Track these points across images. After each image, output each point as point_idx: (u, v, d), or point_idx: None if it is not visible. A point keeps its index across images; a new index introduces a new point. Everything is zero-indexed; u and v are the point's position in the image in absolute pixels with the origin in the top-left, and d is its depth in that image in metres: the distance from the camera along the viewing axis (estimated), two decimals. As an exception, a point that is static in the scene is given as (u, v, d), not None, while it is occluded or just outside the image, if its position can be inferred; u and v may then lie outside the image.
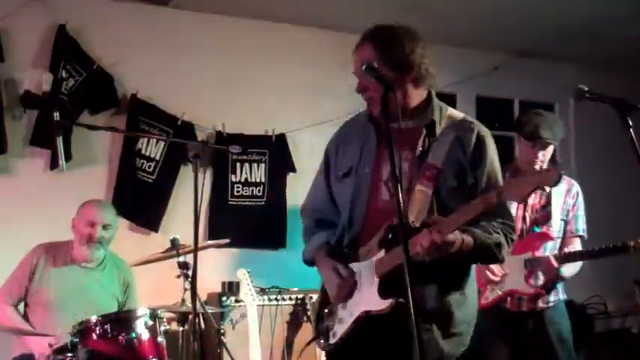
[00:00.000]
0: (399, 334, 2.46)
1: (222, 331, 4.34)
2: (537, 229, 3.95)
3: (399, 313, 2.43)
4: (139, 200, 5.34)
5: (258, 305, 4.58)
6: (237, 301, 4.80)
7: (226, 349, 4.35)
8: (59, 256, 4.25)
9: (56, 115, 3.72)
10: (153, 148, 5.43)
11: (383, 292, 2.54)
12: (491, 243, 2.59)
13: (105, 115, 5.29)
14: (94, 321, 3.67)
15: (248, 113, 5.59)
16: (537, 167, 3.91)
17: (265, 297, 4.90)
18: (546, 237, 3.93)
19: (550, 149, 3.95)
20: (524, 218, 3.97)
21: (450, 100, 6.63)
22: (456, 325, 2.64)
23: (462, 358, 2.72)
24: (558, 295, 4.00)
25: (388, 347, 2.58)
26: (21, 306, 4.24)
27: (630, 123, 2.55)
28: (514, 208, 3.95)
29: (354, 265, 2.68)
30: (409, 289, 2.14)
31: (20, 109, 5.05)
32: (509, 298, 3.93)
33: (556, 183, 2.34)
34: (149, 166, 5.41)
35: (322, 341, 2.73)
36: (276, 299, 4.96)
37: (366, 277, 2.63)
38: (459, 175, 2.64)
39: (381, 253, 2.59)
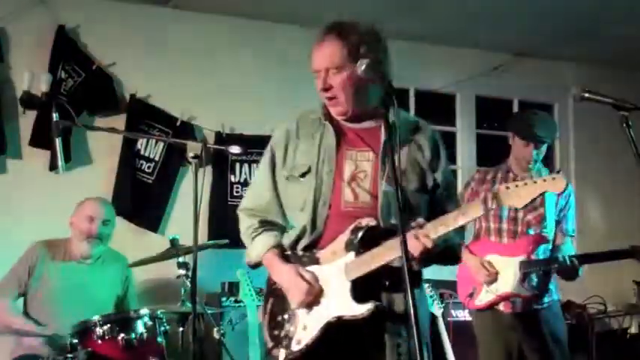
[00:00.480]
0: (372, 338, 2.48)
1: (221, 331, 4.34)
2: (531, 232, 3.94)
3: (372, 317, 2.43)
4: (139, 201, 5.34)
5: (257, 306, 4.58)
6: (236, 301, 4.80)
7: (226, 349, 4.35)
8: (58, 252, 4.26)
9: (55, 116, 3.72)
10: (152, 148, 5.43)
11: (357, 297, 2.46)
12: (456, 244, 2.63)
13: (104, 115, 5.29)
14: (94, 321, 3.67)
15: (247, 113, 5.59)
16: (531, 165, 3.92)
17: (265, 297, 4.89)
18: (541, 239, 3.91)
19: (544, 149, 3.96)
20: (515, 219, 3.96)
21: (449, 100, 6.67)
22: (420, 325, 2.63)
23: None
24: (552, 295, 3.99)
25: (360, 352, 2.51)
26: (20, 302, 4.24)
27: (630, 123, 2.55)
28: (506, 210, 3.94)
29: (315, 268, 2.57)
30: (409, 294, 2.11)
31: (19, 109, 5.06)
32: (503, 301, 3.92)
33: (564, 190, 2.34)
34: (148, 167, 5.41)
35: (283, 350, 2.55)
36: (276, 300, 4.95)
37: (334, 281, 2.52)
38: (419, 176, 2.62)
39: (350, 256, 2.50)
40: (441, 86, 6.49)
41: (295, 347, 2.52)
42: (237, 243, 4.91)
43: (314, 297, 2.53)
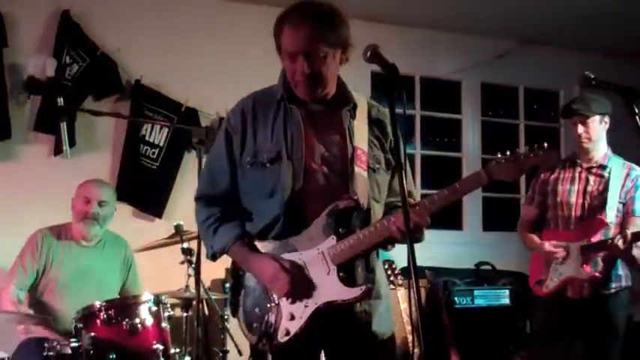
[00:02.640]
0: (353, 319, 2.50)
1: (225, 317, 4.35)
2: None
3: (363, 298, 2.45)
4: (143, 186, 5.34)
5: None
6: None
7: (230, 335, 4.36)
8: (61, 235, 4.28)
9: (60, 101, 3.73)
10: (157, 134, 5.42)
11: (347, 281, 2.45)
12: None
13: (109, 100, 5.29)
14: (98, 306, 3.68)
15: (252, 99, 5.57)
16: (585, 145, 3.93)
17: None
18: (601, 223, 3.90)
19: (592, 124, 3.92)
20: (582, 206, 3.96)
21: (455, 87, 6.65)
22: (388, 307, 2.66)
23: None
24: (621, 281, 3.97)
25: (344, 333, 2.53)
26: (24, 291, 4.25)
27: (636, 110, 2.55)
28: (574, 197, 3.95)
29: (293, 256, 2.50)
30: (413, 278, 2.09)
31: (24, 94, 5.06)
32: (569, 287, 3.92)
33: (553, 166, 2.34)
34: (153, 153, 5.41)
35: (268, 342, 2.48)
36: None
37: (316, 267, 2.47)
38: (382, 157, 2.62)
39: (330, 241, 2.46)
40: (447, 73, 6.48)
41: (283, 338, 2.47)
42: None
43: (299, 287, 2.46)
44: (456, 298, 5.30)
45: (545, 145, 2.35)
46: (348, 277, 2.46)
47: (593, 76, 2.74)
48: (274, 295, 2.50)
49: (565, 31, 6.33)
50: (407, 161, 2.27)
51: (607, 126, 3.99)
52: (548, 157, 2.33)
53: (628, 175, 3.99)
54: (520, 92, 6.89)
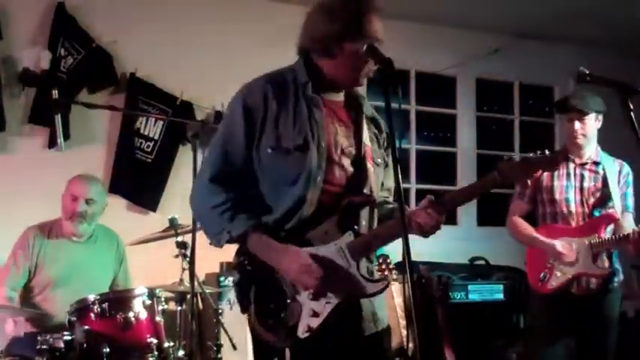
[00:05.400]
0: (360, 308, 2.50)
1: (219, 311, 4.34)
2: (596, 213, 3.94)
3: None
4: (138, 180, 5.34)
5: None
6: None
7: (224, 329, 4.36)
8: (52, 232, 4.27)
9: (55, 94, 3.72)
10: (152, 127, 5.42)
11: (366, 275, 2.45)
12: None
13: (104, 93, 5.28)
14: (92, 300, 3.67)
15: (247, 93, 5.55)
16: (579, 141, 3.93)
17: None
18: (612, 218, 3.91)
19: (589, 121, 3.93)
20: (581, 202, 3.96)
21: (450, 82, 6.65)
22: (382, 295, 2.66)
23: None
24: (619, 275, 4.01)
25: (355, 323, 2.51)
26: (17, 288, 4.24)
27: (631, 106, 2.55)
28: (572, 193, 3.95)
29: (311, 250, 2.41)
30: (409, 277, 2.10)
31: (19, 86, 5.05)
32: (575, 283, 3.91)
33: (556, 168, 2.34)
34: (148, 146, 5.40)
35: (288, 338, 2.40)
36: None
37: (336, 262, 2.42)
38: (380, 153, 2.63)
39: (348, 236, 2.41)
40: (442, 68, 6.47)
41: (304, 334, 2.38)
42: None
43: (328, 281, 2.37)
44: (450, 293, 5.31)
45: (555, 150, 2.36)
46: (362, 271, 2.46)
47: (588, 72, 2.75)
48: (299, 289, 2.41)
49: (560, 26, 6.33)
50: (395, 156, 2.25)
51: (599, 124, 4.00)
52: (552, 160, 2.34)
53: (620, 171, 4.02)
54: (515, 87, 6.90)
